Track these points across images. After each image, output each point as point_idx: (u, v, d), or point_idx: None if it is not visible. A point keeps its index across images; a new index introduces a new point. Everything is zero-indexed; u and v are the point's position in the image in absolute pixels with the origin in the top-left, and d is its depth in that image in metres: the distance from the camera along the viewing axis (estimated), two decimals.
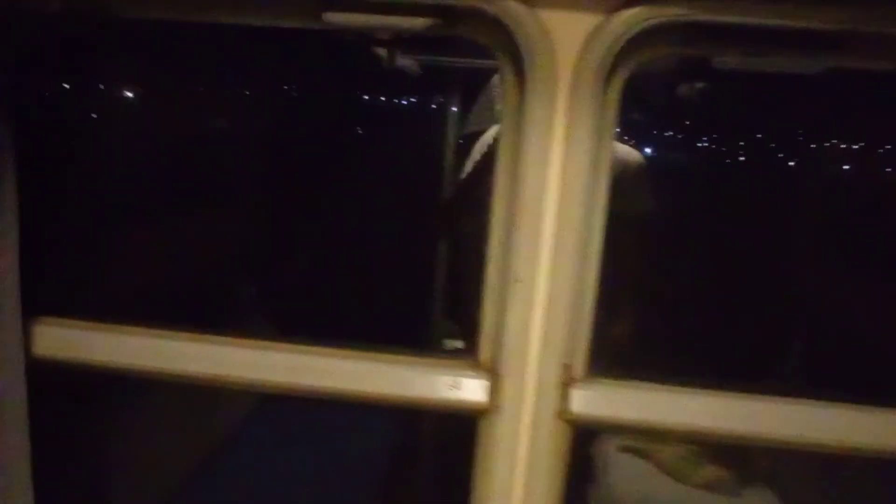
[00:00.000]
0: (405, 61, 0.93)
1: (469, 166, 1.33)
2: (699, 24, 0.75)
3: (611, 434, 1.60)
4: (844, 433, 0.84)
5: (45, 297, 0.90)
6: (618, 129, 0.94)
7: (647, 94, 1.33)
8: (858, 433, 0.86)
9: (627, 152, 1.32)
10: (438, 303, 1.15)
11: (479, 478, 0.87)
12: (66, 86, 1.23)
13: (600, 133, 0.78)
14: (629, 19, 0.74)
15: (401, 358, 0.88)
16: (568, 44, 0.76)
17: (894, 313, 1.49)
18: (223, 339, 0.90)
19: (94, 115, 1.28)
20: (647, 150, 1.29)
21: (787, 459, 1.56)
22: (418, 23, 0.77)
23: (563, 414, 0.83)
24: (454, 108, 1.39)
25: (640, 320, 1.30)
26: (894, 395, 0.85)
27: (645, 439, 1.57)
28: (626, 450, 1.66)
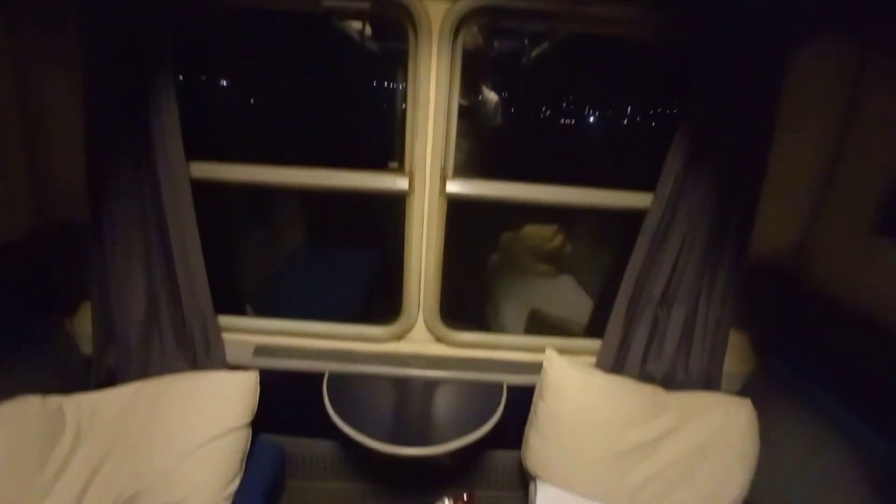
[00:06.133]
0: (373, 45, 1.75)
1: None
2: (495, 7, 1.58)
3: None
4: (578, 198, 1.82)
5: (194, 149, 1.73)
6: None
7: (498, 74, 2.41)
8: (585, 198, 1.83)
9: (493, 96, 2.45)
10: (388, 149, 2.05)
11: (406, 226, 1.85)
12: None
13: (453, 60, 1.65)
14: (462, 6, 1.57)
15: (373, 171, 1.81)
16: (436, 17, 1.59)
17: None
18: (279, 166, 1.80)
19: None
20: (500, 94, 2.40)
21: (579, 262, 2.73)
22: (367, 5, 1.59)
23: (442, 193, 1.80)
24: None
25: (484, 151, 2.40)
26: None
27: (508, 250, 2.73)
28: (501, 248, 2.76)
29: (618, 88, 2.94)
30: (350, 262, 2.82)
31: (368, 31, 1.74)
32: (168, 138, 1.61)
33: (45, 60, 1.59)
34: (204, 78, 2.22)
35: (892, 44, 1.50)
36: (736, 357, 1.94)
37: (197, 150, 1.72)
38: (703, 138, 1.61)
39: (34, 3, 1.54)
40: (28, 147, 1.68)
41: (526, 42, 2.08)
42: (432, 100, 1.68)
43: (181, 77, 1.66)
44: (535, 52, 2.15)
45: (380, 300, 2.53)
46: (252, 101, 2.58)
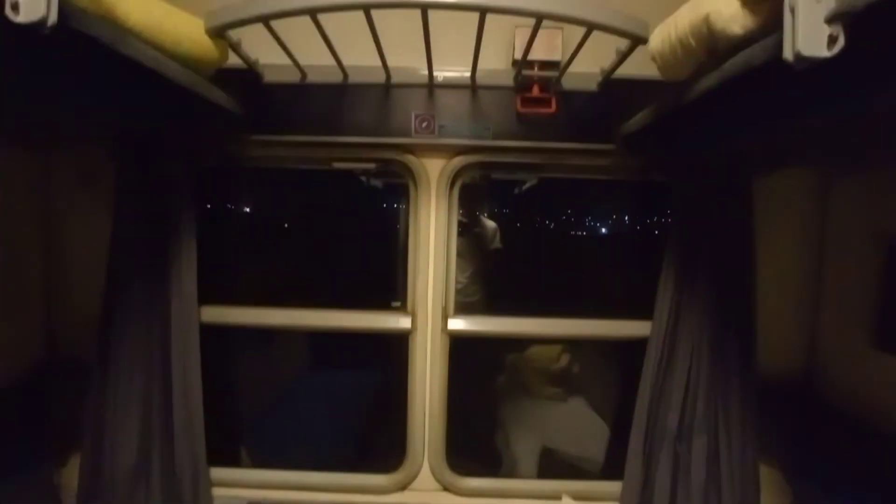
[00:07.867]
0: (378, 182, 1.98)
1: None
2: (487, 163, 1.79)
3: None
4: (578, 330, 1.85)
5: (203, 294, 1.80)
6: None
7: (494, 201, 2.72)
8: (585, 330, 1.86)
9: (491, 223, 2.66)
10: (392, 288, 2.13)
11: (410, 365, 1.84)
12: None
13: (450, 207, 1.81)
14: (457, 162, 1.78)
15: (375, 311, 1.87)
16: (433, 172, 1.79)
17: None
18: (285, 309, 1.87)
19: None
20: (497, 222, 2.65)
21: (588, 382, 2.65)
22: (372, 166, 1.81)
23: (444, 331, 1.83)
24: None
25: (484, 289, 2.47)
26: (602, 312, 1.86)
27: (516, 372, 2.67)
28: (507, 371, 2.68)
29: (604, 215, 3.22)
30: (351, 400, 2.75)
31: (378, 183, 1.95)
32: (184, 283, 1.68)
33: (74, 201, 1.75)
34: (218, 229, 2.47)
35: (854, 168, 1.65)
36: (772, 492, 1.77)
37: (208, 293, 1.78)
38: (689, 265, 1.67)
39: (72, 151, 1.75)
40: (46, 284, 1.76)
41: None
42: (432, 243, 1.80)
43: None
44: (526, 186, 2.38)
45: (383, 441, 2.42)
46: (262, 244, 2.82)
